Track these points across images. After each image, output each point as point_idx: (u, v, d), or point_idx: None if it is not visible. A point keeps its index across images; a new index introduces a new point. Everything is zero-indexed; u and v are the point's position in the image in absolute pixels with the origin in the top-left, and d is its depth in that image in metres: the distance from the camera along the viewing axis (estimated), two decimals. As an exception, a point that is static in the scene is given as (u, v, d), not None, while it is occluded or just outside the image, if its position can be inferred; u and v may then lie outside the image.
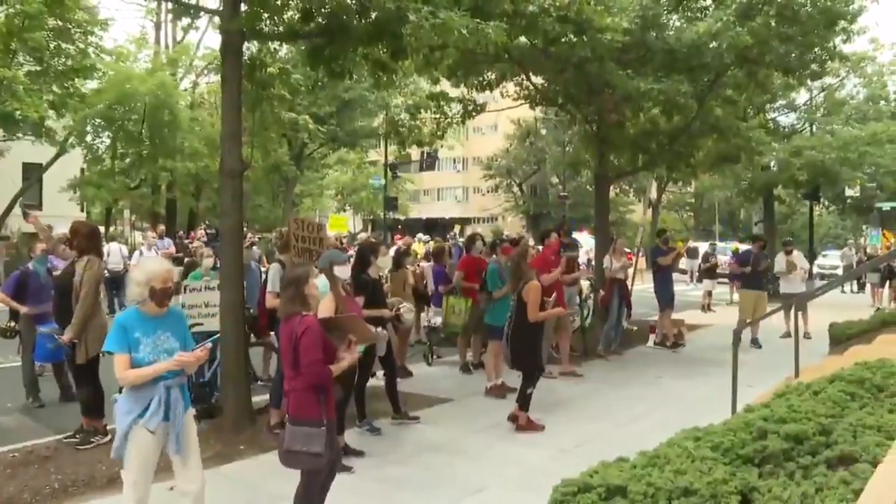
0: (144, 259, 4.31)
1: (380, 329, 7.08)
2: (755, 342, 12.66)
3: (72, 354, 6.65)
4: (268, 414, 7.11)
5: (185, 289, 7.86)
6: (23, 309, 8.07)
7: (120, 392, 4.28)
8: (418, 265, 12.22)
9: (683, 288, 23.77)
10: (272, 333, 7.75)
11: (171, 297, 4.37)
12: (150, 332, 4.23)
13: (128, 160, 28.34)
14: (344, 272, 5.99)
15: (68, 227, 7.12)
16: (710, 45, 11.06)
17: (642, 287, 15.37)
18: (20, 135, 22.76)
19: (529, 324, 7.34)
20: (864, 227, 46.43)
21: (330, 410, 4.42)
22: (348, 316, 5.12)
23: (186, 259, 13.67)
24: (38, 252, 8.85)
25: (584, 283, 12.09)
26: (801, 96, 27.50)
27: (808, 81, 18.20)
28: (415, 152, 27.15)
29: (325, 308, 5.26)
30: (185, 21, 8.67)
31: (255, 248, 12.49)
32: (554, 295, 7.90)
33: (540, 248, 11.14)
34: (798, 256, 14.53)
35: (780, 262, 14.33)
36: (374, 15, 7.25)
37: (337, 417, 5.91)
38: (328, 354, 4.43)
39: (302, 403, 4.32)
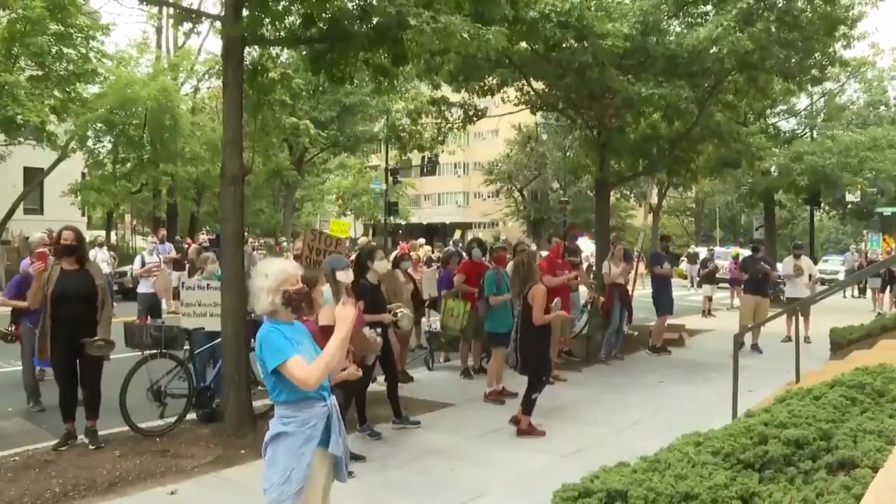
0: (266, 261, 3.79)
1: (375, 333, 7.02)
2: (756, 347, 12.65)
3: (68, 357, 6.63)
4: (268, 420, 7.10)
5: (182, 286, 8.02)
6: (23, 304, 8.05)
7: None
8: (421, 270, 12.20)
9: (684, 293, 23.77)
10: None
11: (307, 301, 3.72)
12: (300, 341, 3.60)
13: (129, 165, 28.35)
14: (347, 276, 5.99)
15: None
16: (711, 51, 11.07)
17: (643, 292, 15.37)
18: (21, 139, 22.78)
19: (535, 327, 7.35)
20: (864, 231, 46.47)
21: None
22: None
23: (187, 263, 13.67)
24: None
25: (583, 289, 12.09)
26: (802, 101, 27.59)
27: (809, 87, 18.24)
28: (416, 157, 27.15)
29: (326, 316, 5.26)
30: (187, 26, 8.71)
31: (255, 253, 12.48)
32: (557, 299, 7.91)
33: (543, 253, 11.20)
34: (806, 261, 14.51)
35: (787, 265, 14.33)
36: (375, 20, 7.27)
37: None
38: None
39: None
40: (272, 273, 3.57)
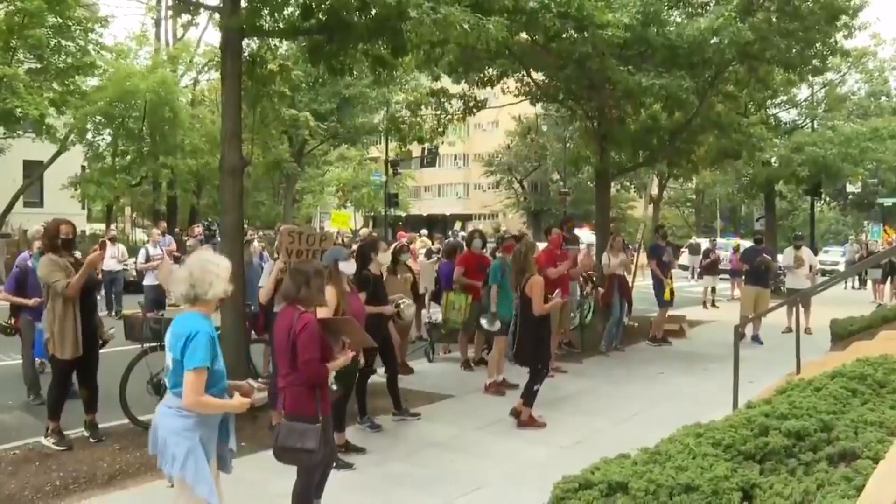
0: (210, 253, 4.05)
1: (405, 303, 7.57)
2: (756, 338, 12.65)
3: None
4: (268, 412, 7.10)
5: None
6: (29, 302, 8.04)
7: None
8: (419, 262, 12.16)
9: (684, 284, 23.76)
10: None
11: None
12: (217, 343, 3.84)
13: (128, 157, 28.31)
14: (349, 268, 5.99)
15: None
16: (712, 41, 11.03)
17: (644, 283, 15.36)
18: (21, 132, 22.76)
19: (535, 319, 7.32)
20: (865, 222, 46.46)
21: (325, 406, 4.44)
22: (346, 319, 5.13)
23: (184, 256, 13.64)
24: (36, 249, 8.84)
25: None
26: (803, 92, 27.50)
27: (809, 77, 18.17)
28: (416, 149, 27.11)
29: (323, 308, 5.28)
30: (186, 18, 8.71)
31: (255, 243, 12.45)
32: (558, 290, 7.88)
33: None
34: (807, 252, 14.50)
35: (788, 256, 14.31)
36: (374, 11, 7.23)
37: (338, 415, 5.94)
38: (325, 352, 4.44)
39: (298, 400, 4.31)
40: (224, 266, 3.86)
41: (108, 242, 15.01)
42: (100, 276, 13.95)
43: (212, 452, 3.77)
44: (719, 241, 29.91)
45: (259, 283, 7.00)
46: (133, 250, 18.15)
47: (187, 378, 3.62)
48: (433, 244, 16.33)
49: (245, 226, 9.06)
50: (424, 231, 23.04)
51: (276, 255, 8.19)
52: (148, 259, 12.78)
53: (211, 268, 3.78)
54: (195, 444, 3.69)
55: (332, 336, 4.64)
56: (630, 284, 12.43)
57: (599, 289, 11.94)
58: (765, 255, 13.27)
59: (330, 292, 5.51)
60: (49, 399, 6.68)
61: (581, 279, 12.17)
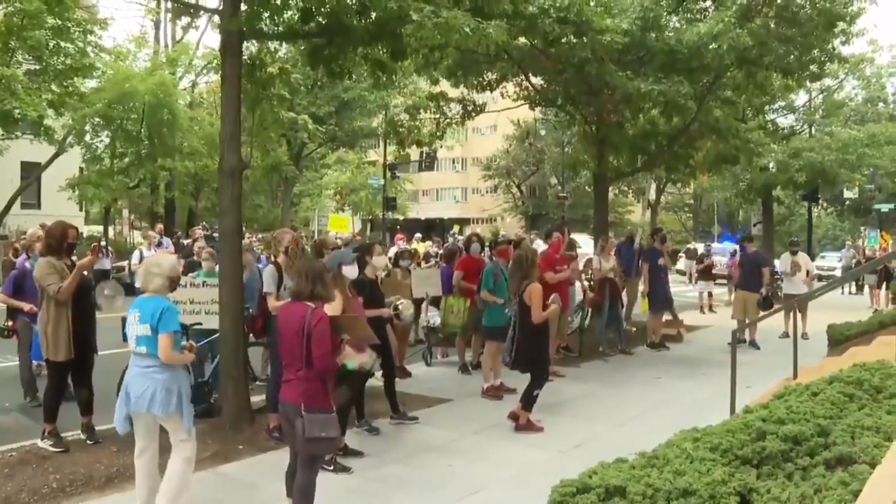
0: (157, 255, 4.69)
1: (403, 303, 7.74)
2: (753, 343, 12.66)
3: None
4: (266, 414, 7.10)
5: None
6: (26, 307, 8.00)
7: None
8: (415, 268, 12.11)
9: (682, 289, 23.77)
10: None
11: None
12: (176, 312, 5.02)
13: (127, 159, 28.25)
14: (352, 272, 6.00)
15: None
16: (710, 47, 11.06)
17: (643, 288, 15.36)
18: (19, 133, 22.72)
19: (534, 325, 7.30)
20: (862, 228, 46.53)
21: (332, 398, 4.65)
22: (352, 316, 5.20)
23: (186, 259, 13.65)
24: (36, 251, 8.82)
25: (578, 285, 12.11)
26: (800, 98, 27.62)
27: (807, 83, 18.27)
28: (414, 152, 27.15)
29: (333, 307, 5.33)
30: (185, 20, 8.76)
31: (255, 249, 12.47)
32: (555, 294, 7.86)
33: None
34: (804, 258, 14.52)
35: (784, 262, 14.34)
36: (374, 15, 7.25)
37: (342, 417, 5.95)
38: (333, 347, 4.60)
39: (314, 393, 4.48)
40: (166, 264, 4.99)
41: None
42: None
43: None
44: (717, 245, 29.97)
45: (266, 290, 6.93)
46: (128, 253, 18.14)
47: (163, 340, 4.65)
48: (433, 247, 16.34)
49: (243, 229, 9.05)
50: (418, 235, 23.07)
51: (272, 259, 8.17)
52: (142, 261, 12.82)
53: (153, 269, 4.91)
54: (183, 390, 4.80)
55: (338, 333, 4.78)
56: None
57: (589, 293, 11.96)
58: (751, 256, 13.29)
59: (336, 296, 5.53)
60: (45, 401, 6.66)
61: (581, 282, 12.18)
